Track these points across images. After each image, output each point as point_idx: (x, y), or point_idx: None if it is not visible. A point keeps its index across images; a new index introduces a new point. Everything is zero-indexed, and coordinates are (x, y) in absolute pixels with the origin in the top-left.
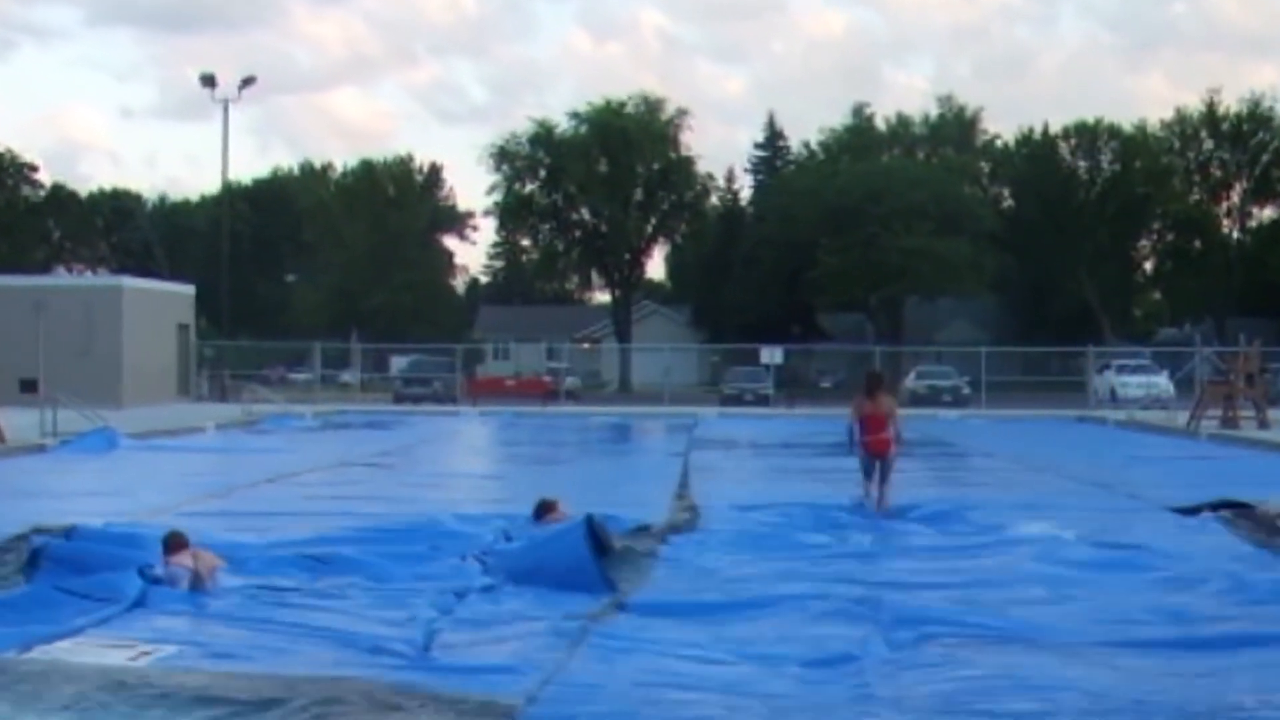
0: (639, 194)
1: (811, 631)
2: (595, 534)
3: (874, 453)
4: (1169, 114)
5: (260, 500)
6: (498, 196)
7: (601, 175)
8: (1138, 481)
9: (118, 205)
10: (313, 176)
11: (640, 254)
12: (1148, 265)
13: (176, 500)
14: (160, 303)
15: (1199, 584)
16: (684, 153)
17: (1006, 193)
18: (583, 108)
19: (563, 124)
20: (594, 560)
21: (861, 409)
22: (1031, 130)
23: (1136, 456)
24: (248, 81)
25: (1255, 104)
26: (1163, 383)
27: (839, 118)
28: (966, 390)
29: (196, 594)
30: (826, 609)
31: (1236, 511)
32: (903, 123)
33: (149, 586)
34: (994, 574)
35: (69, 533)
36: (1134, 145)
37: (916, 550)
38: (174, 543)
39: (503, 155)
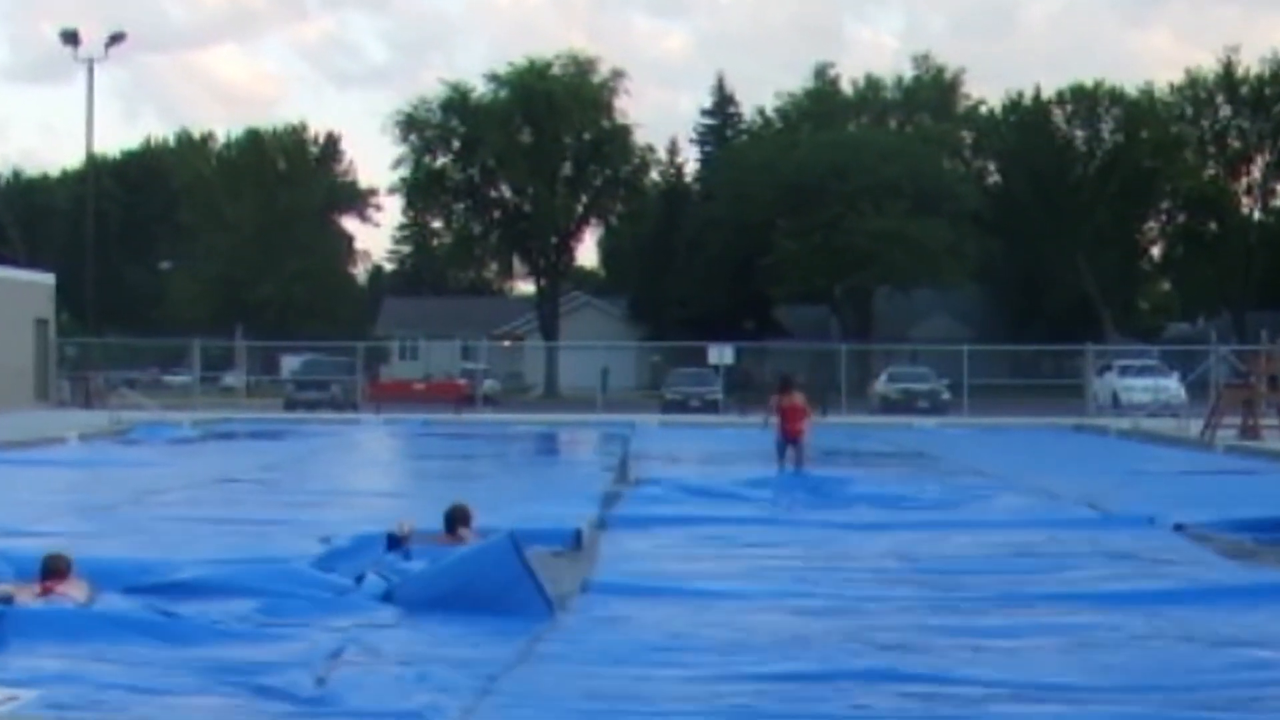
0: (567, 168)
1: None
2: (521, 552)
3: (790, 437)
4: (1179, 76)
5: (128, 521)
6: (404, 171)
7: (524, 147)
8: (1149, 502)
9: None
10: (190, 148)
11: (569, 238)
12: (1155, 251)
13: (28, 521)
14: (14, 294)
15: None
16: (619, 121)
17: (992, 167)
18: (502, 69)
19: (479, 88)
20: (530, 577)
21: (780, 403)
22: (1021, 95)
23: (1143, 471)
24: (115, 39)
25: (1278, 64)
26: (1172, 386)
27: (798, 80)
28: (946, 395)
29: (71, 630)
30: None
31: None
32: (872, 86)
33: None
34: None
35: None
36: (1139, 112)
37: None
38: (55, 567)
39: (410, 124)
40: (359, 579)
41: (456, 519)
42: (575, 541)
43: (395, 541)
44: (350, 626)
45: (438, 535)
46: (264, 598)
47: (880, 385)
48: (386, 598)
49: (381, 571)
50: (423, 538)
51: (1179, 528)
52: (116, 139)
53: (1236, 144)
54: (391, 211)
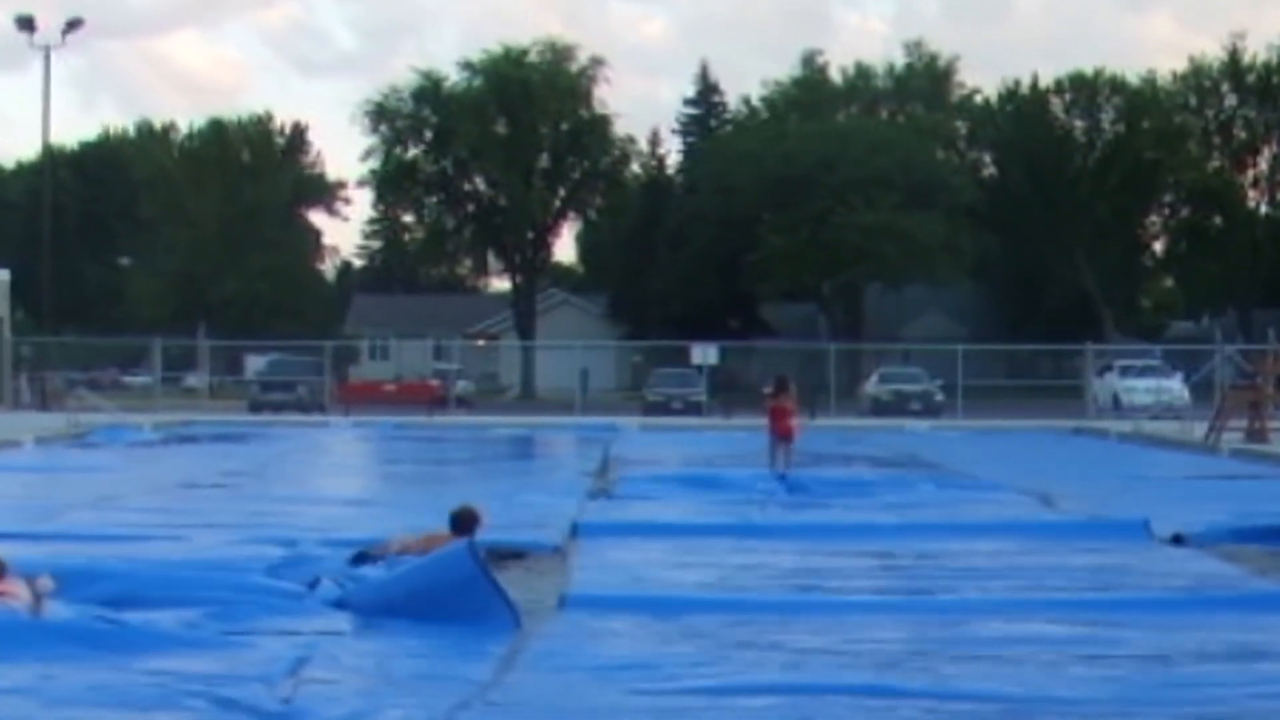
0: (544, 160)
1: None
2: (478, 557)
3: (780, 435)
4: (1182, 64)
5: (83, 527)
6: (374, 163)
7: (499, 138)
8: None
9: None
10: (151, 139)
11: (546, 232)
12: (1158, 246)
13: None
14: None
15: None
16: (598, 111)
17: (988, 159)
18: (476, 57)
19: (452, 76)
20: (489, 583)
21: (774, 402)
22: (1018, 83)
23: (1144, 476)
24: (72, 25)
25: None
26: (1176, 387)
27: (785, 68)
28: (940, 397)
29: (14, 639)
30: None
31: None
32: (862, 74)
33: None
34: None
35: None
36: (1141, 101)
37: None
38: None
39: (380, 113)
40: (312, 585)
41: (465, 522)
42: (553, 550)
43: (364, 557)
44: (306, 636)
45: (439, 535)
46: (214, 605)
47: (871, 386)
48: (340, 605)
49: (336, 578)
50: (430, 539)
51: (1177, 539)
52: (74, 129)
53: (1242, 135)
54: (361, 205)
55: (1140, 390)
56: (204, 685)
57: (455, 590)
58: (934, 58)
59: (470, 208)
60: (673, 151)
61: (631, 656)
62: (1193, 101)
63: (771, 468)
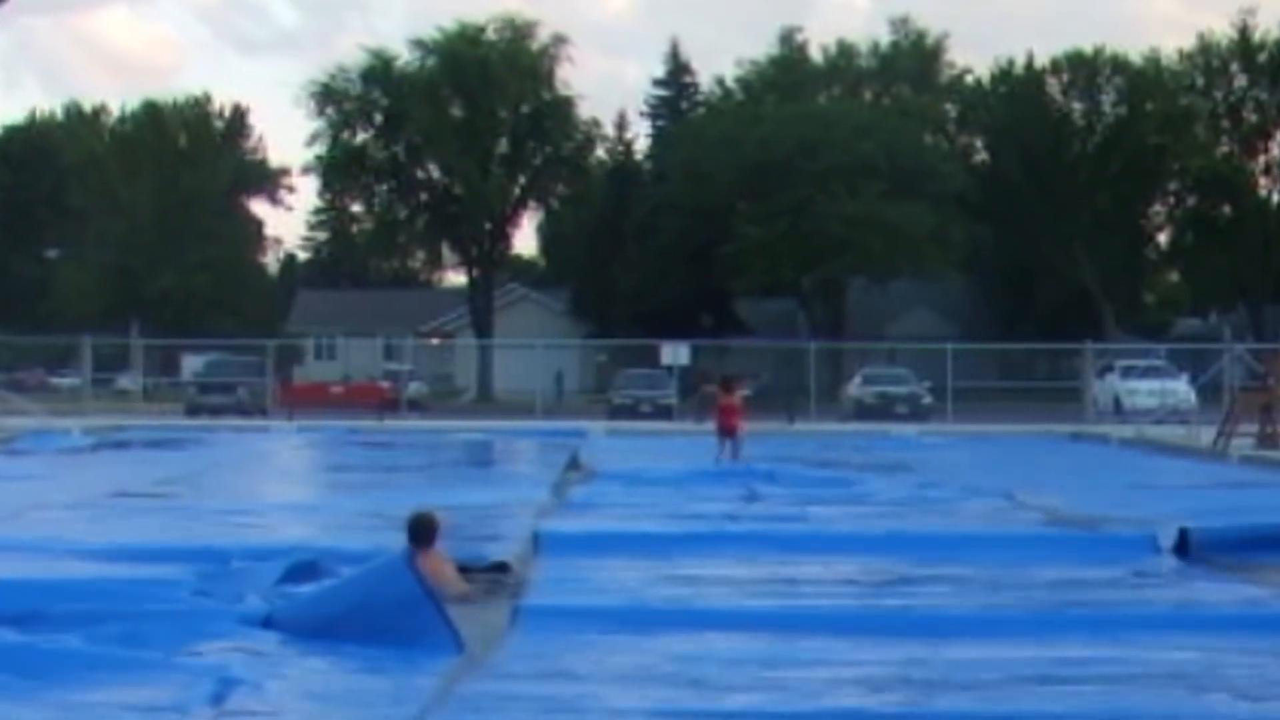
0: (503, 145)
1: None
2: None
3: (726, 431)
4: (1188, 42)
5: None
6: (320, 149)
7: (454, 121)
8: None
9: None
10: (80, 123)
11: (505, 223)
12: (1162, 238)
13: None
14: None
15: None
16: (561, 92)
17: (980, 144)
18: (429, 34)
19: (403, 55)
20: (429, 601)
21: (720, 400)
22: (1011, 63)
23: (1148, 485)
24: None
25: None
26: (1181, 389)
27: (761, 47)
28: (927, 399)
29: None
30: None
31: None
32: (845, 53)
33: None
34: None
35: None
36: (1144, 82)
37: None
38: None
39: (326, 95)
40: (238, 601)
41: (423, 531)
42: (512, 562)
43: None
44: (229, 659)
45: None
46: (130, 624)
47: (854, 388)
48: (267, 623)
49: (264, 595)
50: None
51: (1182, 551)
52: None
53: (1253, 118)
54: (306, 194)
55: (1143, 392)
56: (111, 714)
57: (392, 608)
58: (921, 35)
59: (423, 196)
60: (641, 136)
61: (590, 675)
62: (1200, 82)
63: (717, 461)
